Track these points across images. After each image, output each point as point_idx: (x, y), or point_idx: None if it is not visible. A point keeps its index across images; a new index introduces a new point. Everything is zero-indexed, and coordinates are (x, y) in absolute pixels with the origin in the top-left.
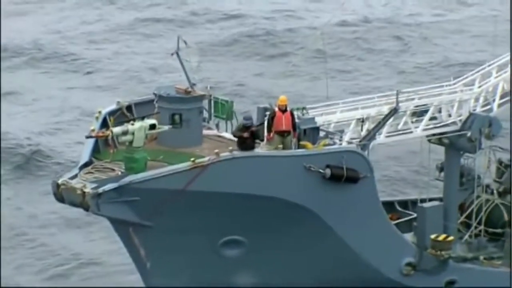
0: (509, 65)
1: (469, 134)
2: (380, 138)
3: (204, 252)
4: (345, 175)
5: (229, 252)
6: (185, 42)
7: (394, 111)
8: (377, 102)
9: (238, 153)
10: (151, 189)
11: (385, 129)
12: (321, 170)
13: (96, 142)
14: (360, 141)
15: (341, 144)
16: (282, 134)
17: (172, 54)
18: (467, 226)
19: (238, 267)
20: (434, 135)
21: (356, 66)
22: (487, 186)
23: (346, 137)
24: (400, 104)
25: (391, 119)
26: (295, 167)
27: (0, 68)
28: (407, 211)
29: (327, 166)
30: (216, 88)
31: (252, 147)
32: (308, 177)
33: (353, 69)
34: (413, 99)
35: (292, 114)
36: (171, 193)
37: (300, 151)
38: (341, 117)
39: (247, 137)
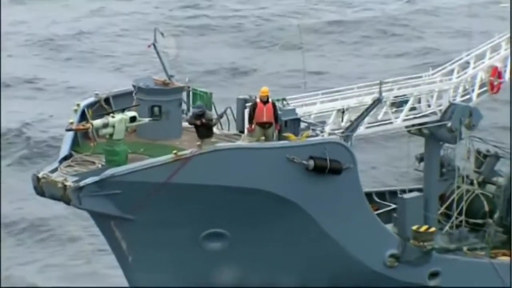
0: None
1: (449, 124)
2: (360, 129)
3: (186, 246)
4: (328, 166)
5: (212, 245)
6: (162, 34)
7: (377, 101)
8: (356, 93)
9: (220, 145)
10: (133, 182)
11: (365, 120)
12: (304, 162)
13: (75, 135)
14: (343, 132)
15: (323, 135)
16: (264, 125)
17: (149, 46)
18: (448, 217)
19: (221, 261)
20: (414, 125)
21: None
22: (467, 176)
23: (327, 128)
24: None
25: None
26: (278, 159)
27: (0, 68)
28: (385, 202)
29: (310, 158)
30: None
31: (206, 135)
32: (291, 169)
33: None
34: (392, 89)
35: (274, 106)
36: (153, 186)
37: (283, 143)
38: (321, 108)
39: (199, 125)
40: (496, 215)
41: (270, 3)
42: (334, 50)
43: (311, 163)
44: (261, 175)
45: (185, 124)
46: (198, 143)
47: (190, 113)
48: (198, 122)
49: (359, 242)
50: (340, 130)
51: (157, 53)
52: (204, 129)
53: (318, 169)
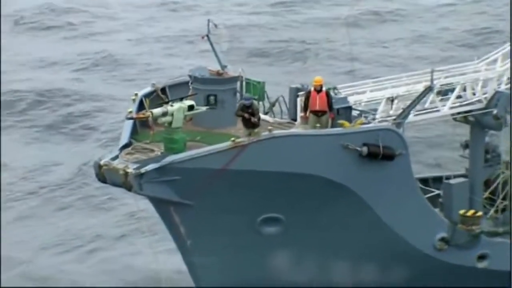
0: None
1: (495, 111)
2: (410, 116)
3: (243, 230)
4: (381, 153)
5: (268, 229)
6: (215, 25)
7: (429, 89)
8: (405, 81)
9: (277, 133)
10: (191, 168)
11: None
12: (358, 148)
13: (134, 124)
14: (395, 119)
15: (375, 122)
16: (317, 113)
17: (202, 38)
18: (492, 201)
19: (276, 244)
20: (459, 113)
21: None
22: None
23: (378, 116)
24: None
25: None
26: (333, 146)
27: (0, 70)
28: (428, 188)
29: (364, 144)
30: None
31: (252, 126)
32: (345, 155)
33: None
34: (439, 78)
35: (328, 95)
36: (211, 172)
37: (338, 130)
38: (371, 96)
39: (248, 118)
40: None
41: None
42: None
43: (365, 149)
44: (316, 161)
45: None
46: (245, 133)
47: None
48: (246, 115)
49: (411, 226)
50: (391, 117)
51: (211, 44)
52: (249, 121)
53: (372, 155)
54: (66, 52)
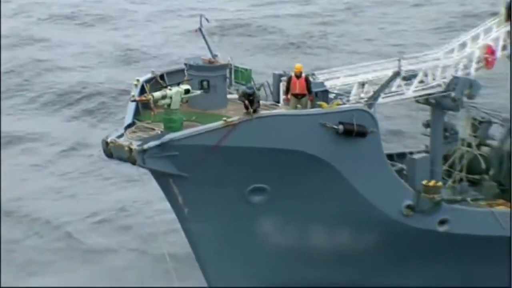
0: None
1: (453, 94)
2: (379, 99)
3: (233, 199)
4: (355, 130)
5: (255, 198)
6: (207, 20)
7: (397, 74)
8: (374, 68)
9: (263, 113)
10: (188, 145)
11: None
12: (334, 126)
13: (137, 106)
14: (367, 101)
15: (349, 104)
16: (297, 96)
17: (196, 31)
18: (450, 174)
19: (263, 212)
20: (422, 96)
21: None
22: (464, 139)
23: (352, 98)
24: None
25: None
26: (313, 124)
27: (0, 70)
28: (393, 162)
29: (340, 123)
30: None
31: (251, 112)
32: (324, 133)
33: None
34: (405, 65)
35: (307, 79)
36: (205, 148)
37: (316, 110)
38: (344, 81)
39: (246, 105)
40: (491, 172)
41: None
42: None
43: (341, 127)
44: (298, 138)
45: (229, 96)
46: (245, 111)
47: (232, 86)
48: (246, 102)
49: (381, 195)
50: (364, 100)
51: (203, 36)
52: (249, 107)
53: (347, 133)
54: None
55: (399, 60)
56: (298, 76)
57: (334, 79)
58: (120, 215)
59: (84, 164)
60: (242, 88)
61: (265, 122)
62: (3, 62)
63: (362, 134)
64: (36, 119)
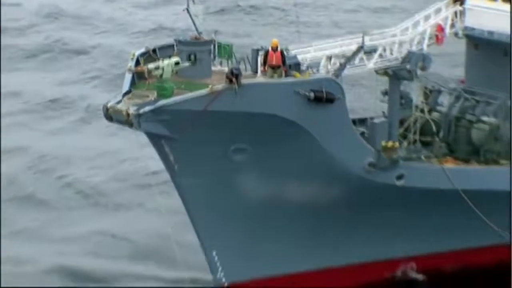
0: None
1: (408, 66)
2: (344, 70)
3: (218, 157)
4: (324, 97)
5: (237, 157)
6: (193, 1)
7: (361, 48)
8: (340, 43)
9: (244, 81)
10: (178, 110)
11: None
12: (306, 94)
13: (133, 76)
14: (334, 72)
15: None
16: (273, 67)
17: (183, 10)
18: (405, 136)
19: (244, 169)
20: (381, 68)
21: None
22: (418, 106)
23: (321, 70)
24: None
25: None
26: (287, 91)
27: (0, 69)
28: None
29: (311, 90)
30: None
31: (235, 84)
32: (297, 99)
33: None
34: (367, 41)
35: (282, 53)
36: (193, 113)
37: (291, 79)
38: (314, 55)
39: (231, 79)
40: (440, 134)
41: None
42: None
43: (312, 94)
44: (274, 104)
45: (213, 68)
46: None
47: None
48: (232, 78)
49: (347, 153)
50: (332, 71)
51: (190, 15)
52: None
53: (317, 99)
54: None
55: (363, 36)
56: (274, 49)
57: (305, 54)
58: None
59: None
60: (231, 66)
61: (245, 90)
62: None
63: (330, 100)
64: None
